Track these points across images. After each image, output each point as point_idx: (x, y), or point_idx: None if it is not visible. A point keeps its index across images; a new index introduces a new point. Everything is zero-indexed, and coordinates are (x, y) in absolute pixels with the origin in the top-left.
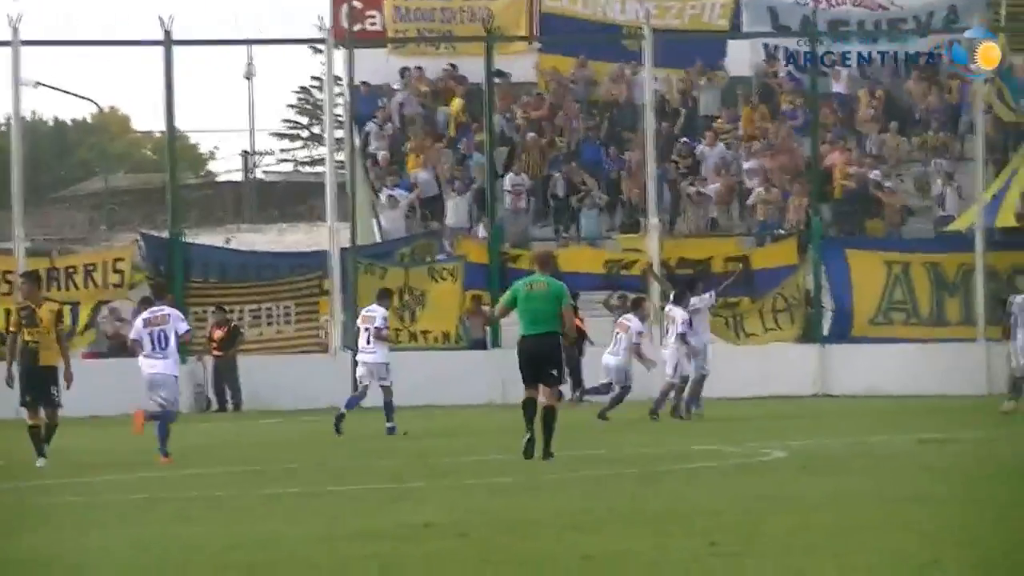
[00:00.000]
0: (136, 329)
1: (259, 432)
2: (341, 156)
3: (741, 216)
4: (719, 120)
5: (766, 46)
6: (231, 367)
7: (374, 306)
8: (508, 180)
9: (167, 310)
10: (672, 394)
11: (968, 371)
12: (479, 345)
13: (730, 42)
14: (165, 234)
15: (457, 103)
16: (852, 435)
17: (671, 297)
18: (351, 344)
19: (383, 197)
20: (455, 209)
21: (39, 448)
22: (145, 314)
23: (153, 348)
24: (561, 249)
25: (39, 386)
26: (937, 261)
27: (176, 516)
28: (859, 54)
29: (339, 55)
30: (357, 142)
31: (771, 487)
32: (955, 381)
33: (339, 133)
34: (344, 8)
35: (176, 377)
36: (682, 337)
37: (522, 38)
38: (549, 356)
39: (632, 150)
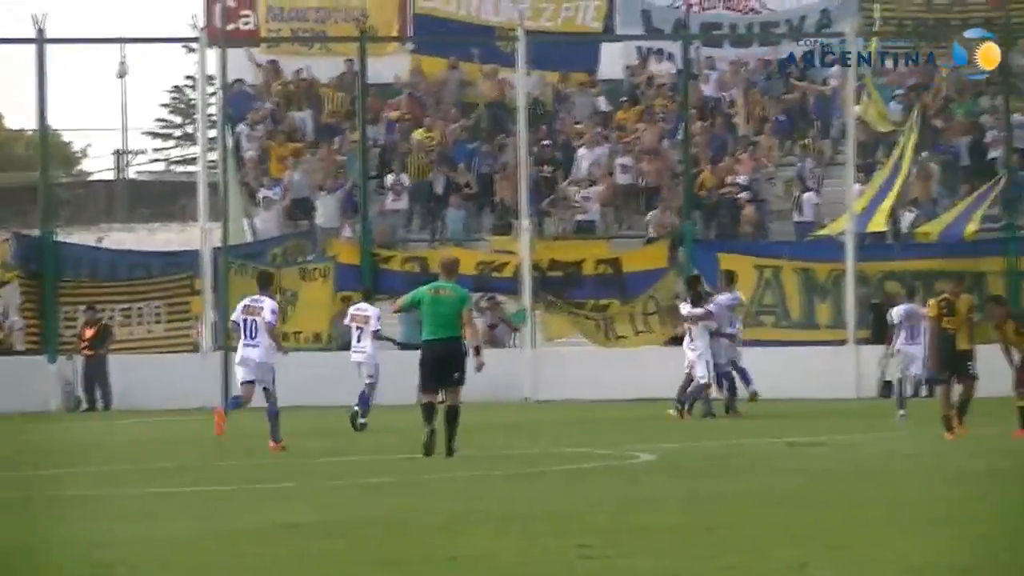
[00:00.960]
0: (236, 313)
1: (129, 431)
2: (214, 156)
3: (615, 219)
4: (591, 123)
5: (639, 48)
6: (101, 366)
7: (364, 304)
8: (385, 181)
9: (265, 301)
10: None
11: (838, 375)
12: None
13: (603, 44)
14: (36, 232)
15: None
16: (722, 438)
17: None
18: (222, 343)
19: (256, 197)
20: (327, 210)
21: None
22: (246, 301)
23: (245, 336)
24: (432, 251)
25: None
26: (808, 265)
27: (42, 515)
28: (732, 58)
29: (212, 54)
30: (230, 142)
31: (641, 489)
32: (825, 384)
33: (212, 133)
34: (218, 7)
35: (271, 364)
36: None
37: (395, 39)
38: (453, 360)
39: (505, 152)
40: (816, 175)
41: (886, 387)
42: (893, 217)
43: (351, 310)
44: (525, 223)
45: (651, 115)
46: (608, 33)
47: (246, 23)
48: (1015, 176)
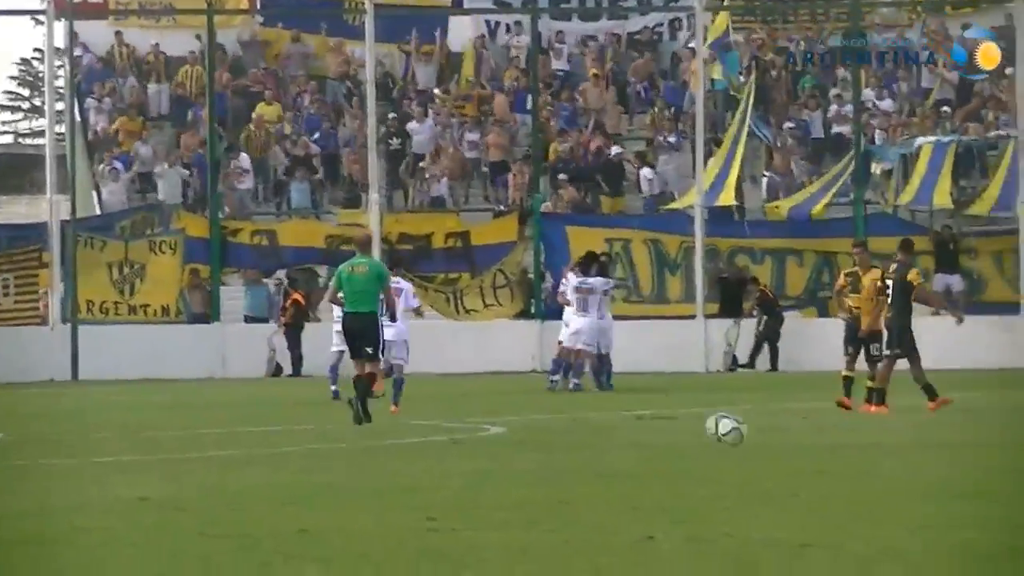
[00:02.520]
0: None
1: None
2: (62, 129)
3: (464, 192)
4: (440, 95)
5: (487, 22)
6: None
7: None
8: (230, 154)
9: (401, 284)
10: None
11: (687, 348)
12: (199, 319)
13: (452, 17)
14: None
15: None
16: (570, 411)
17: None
18: (70, 316)
19: (104, 170)
20: (174, 183)
21: None
22: (575, 281)
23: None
24: (279, 224)
25: None
26: (658, 237)
27: None
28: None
29: (61, 26)
30: (78, 115)
31: (490, 462)
32: (675, 358)
33: (60, 105)
34: None
35: (406, 341)
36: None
37: (242, 11)
38: (366, 332)
39: (352, 125)
40: (666, 148)
41: (733, 360)
42: (740, 191)
43: (575, 282)
44: (374, 196)
45: (500, 88)
46: (456, 6)
47: None
48: (865, 153)
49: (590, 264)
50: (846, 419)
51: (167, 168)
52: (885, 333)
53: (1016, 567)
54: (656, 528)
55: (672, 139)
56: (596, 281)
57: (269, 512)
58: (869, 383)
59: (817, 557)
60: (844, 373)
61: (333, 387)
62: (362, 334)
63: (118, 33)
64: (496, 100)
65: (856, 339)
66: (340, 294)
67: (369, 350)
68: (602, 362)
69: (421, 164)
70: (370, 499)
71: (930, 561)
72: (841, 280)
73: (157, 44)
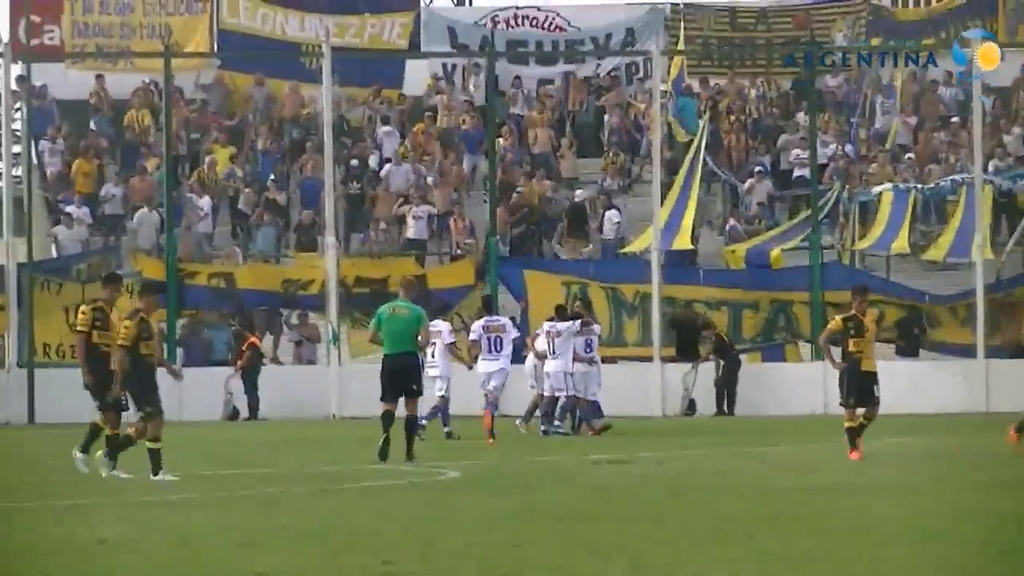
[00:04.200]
0: (475, 331)
1: None
2: (18, 172)
3: (429, 236)
4: (398, 140)
5: (444, 65)
6: None
7: (437, 321)
8: (191, 197)
9: (439, 324)
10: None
11: (644, 390)
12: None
13: (410, 62)
14: None
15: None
16: (527, 455)
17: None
18: (26, 360)
19: (64, 213)
20: (135, 225)
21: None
22: (482, 321)
23: (489, 350)
24: (238, 267)
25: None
26: (614, 286)
27: None
28: (539, 76)
29: (17, 69)
30: (35, 157)
31: (446, 506)
32: (632, 401)
33: (16, 148)
34: (22, 22)
35: (506, 371)
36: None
37: (200, 54)
38: (409, 373)
39: (312, 168)
40: (623, 192)
41: (690, 405)
42: (695, 235)
43: (547, 327)
44: (331, 240)
45: (457, 132)
46: (414, 50)
47: (51, 38)
48: (828, 199)
49: (564, 311)
50: (802, 462)
51: (146, 212)
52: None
53: None
54: (612, 570)
55: (628, 183)
56: (564, 325)
57: (225, 554)
58: (864, 422)
59: None
60: (849, 424)
61: (446, 428)
62: (406, 374)
63: (81, 80)
64: (453, 144)
65: (859, 385)
66: (379, 334)
67: (413, 387)
68: (573, 406)
69: (378, 207)
70: (326, 541)
71: None
72: (837, 324)
73: (118, 87)
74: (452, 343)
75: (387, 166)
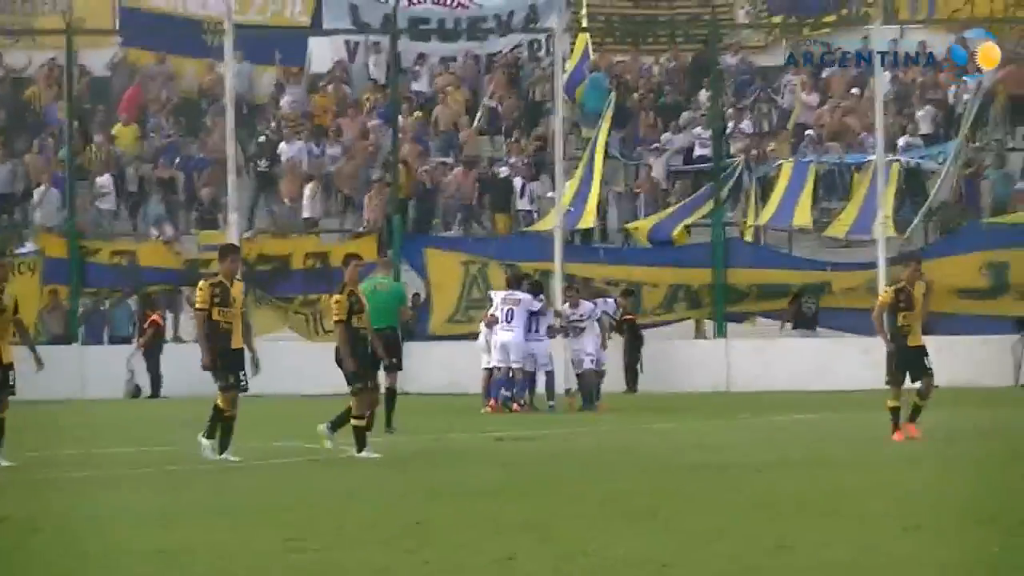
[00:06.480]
0: (495, 305)
1: None
2: None
3: (323, 213)
4: (300, 117)
5: (347, 43)
6: None
7: (514, 291)
8: (92, 175)
9: (519, 295)
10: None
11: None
12: (58, 340)
13: (312, 39)
14: None
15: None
16: (431, 432)
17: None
18: None
19: None
20: (36, 202)
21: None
22: (502, 294)
23: (506, 320)
24: (139, 244)
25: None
26: (514, 264)
27: None
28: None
29: None
30: None
31: (351, 482)
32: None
33: None
34: None
35: (522, 344)
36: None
37: (103, 31)
38: (389, 346)
39: (213, 145)
40: (528, 171)
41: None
42: (600, 213)
43: (502, 295)
44: (233, 217)
45: (359, 110)
46: (316, 27)
47: None
48: (729, 174)
49: (519, 281)
50: (707, 438)
51: (47, 189)
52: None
53: None
54: (517, 547)
55: (534, 162)
56: (525, 296)
57: (127, 532)
58: (918, 401)
59: None
60: (892, 404)
61: (497, 399)
62: (388, 348)
63: None
64: (356, 121)
65: (909, 359)
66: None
67: (395, 361)
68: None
69: (280, 185)
70: (231, 519)
71: None
72: (888, 296)
73: (21, 62)
74: (539, 308)
75: (289, 143)
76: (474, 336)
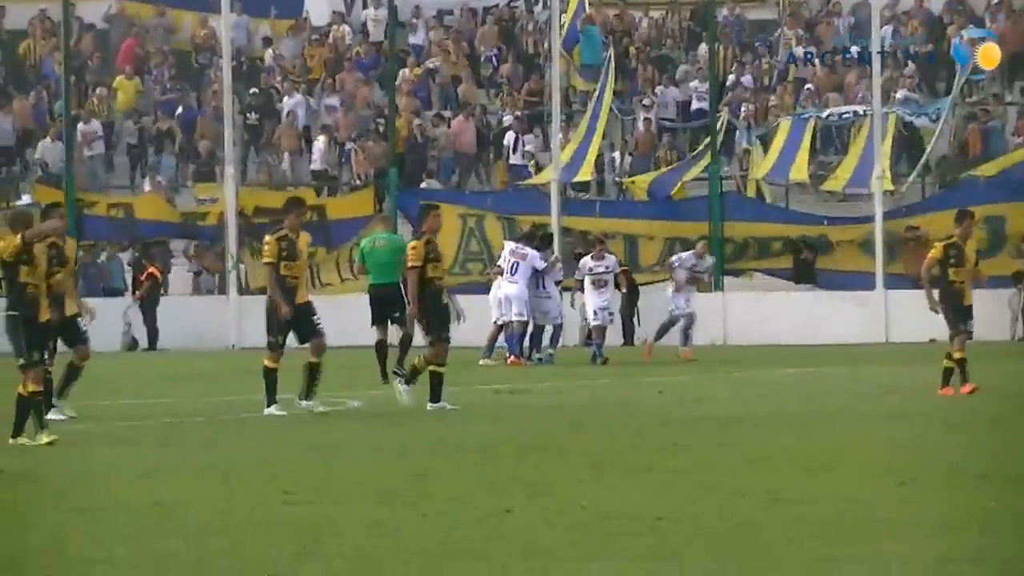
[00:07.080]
0: (503, 256)
1: None
2: None
3: (329, 166)
4: (298, 70)
5: None
6: None
7: (520, 245)
8: (83, 127)
9: (527, 250)
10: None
11: None
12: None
13: None
14: None
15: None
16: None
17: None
18: None
19: None
20: (38, 155)
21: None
22: (512, 246)
23: (510, 273)
24: (135, 198)
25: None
26: (511, 218)
27: None
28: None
29: None
30: None
31: (346, 436)
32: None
33: None
34: None
35: (524, 297)
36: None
37: None
38: (392, 301)
39: (210, 99)
40: (525, 125)
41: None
42: (599, 166)
43: (512, 246)
44: (230, 170)
45: (356, 62)
46: None
47: None
48: (727, 130)
49: (532, 239)
50: (702, 392)
51: (48, 142)
52: None
53: (861, 534)
54: (513, 501)
55: (532, 115)
56: (532, 252)
57: (123, 485)
58: (958, 358)
59: (671, 530)
60: (960, 355)
61: (531, 356)
62: (391, 303)
63: None
64: (353, 74)
65: (965, 315)
66: (364, 265)
67: (397, 315)
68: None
69: (278, 138)
70: (225, 472)
71: (783, 535)
72: (938, 252)
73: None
74: (544, 267)
75: (287, 97)
76: (472, 289)
